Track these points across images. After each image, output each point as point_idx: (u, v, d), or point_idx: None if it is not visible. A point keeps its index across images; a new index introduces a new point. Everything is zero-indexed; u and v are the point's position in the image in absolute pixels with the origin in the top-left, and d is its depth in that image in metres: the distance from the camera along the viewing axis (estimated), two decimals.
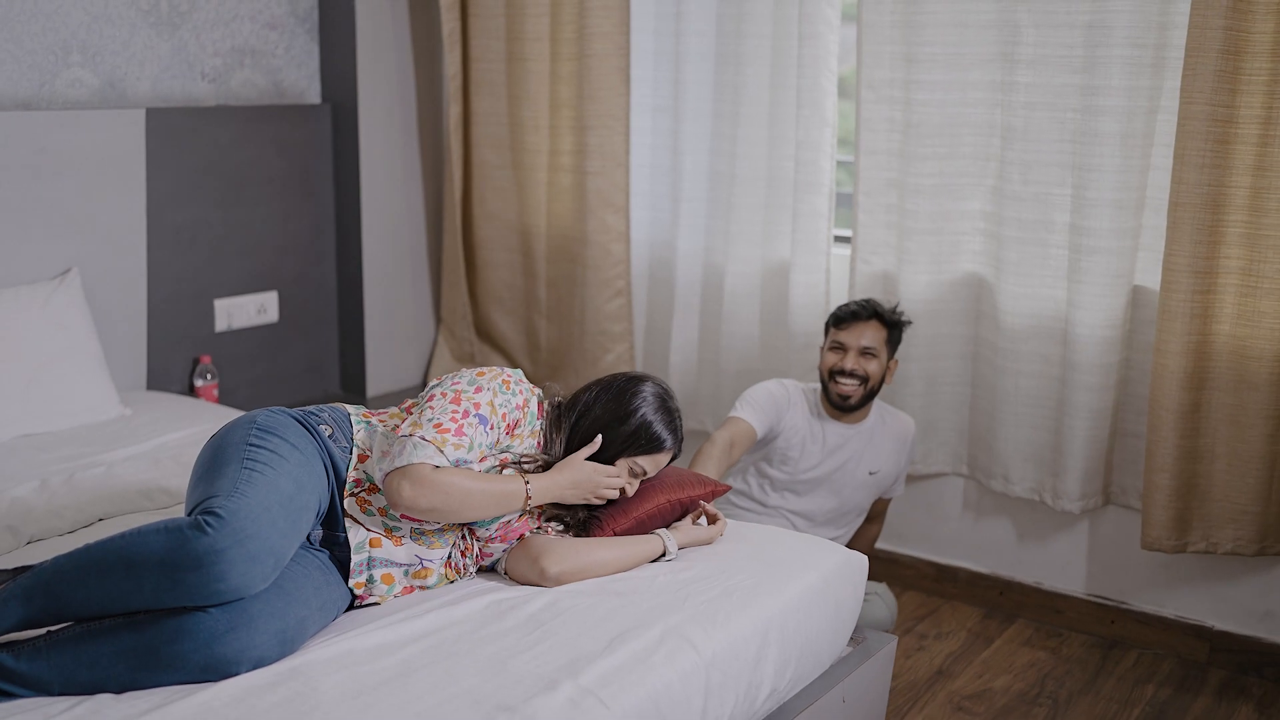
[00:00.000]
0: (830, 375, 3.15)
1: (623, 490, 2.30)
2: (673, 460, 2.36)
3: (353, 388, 4.17)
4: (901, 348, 3.47)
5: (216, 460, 2.05)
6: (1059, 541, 3.47)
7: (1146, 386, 3.23)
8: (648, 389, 2.29)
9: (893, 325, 3.17)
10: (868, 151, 3.45)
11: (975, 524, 3.60)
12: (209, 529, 1.83)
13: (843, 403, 3.14)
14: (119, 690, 1.85)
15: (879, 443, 3.23)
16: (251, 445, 2.04)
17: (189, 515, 1.91)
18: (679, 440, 2.33)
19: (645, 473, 2.32)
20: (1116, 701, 3.08)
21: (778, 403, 3.17)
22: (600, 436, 2.25)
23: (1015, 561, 3.55)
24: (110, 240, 3.45)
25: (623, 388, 2.29)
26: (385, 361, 4.22)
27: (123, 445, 2.97)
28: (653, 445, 2.28)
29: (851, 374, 3.12)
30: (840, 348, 3.14)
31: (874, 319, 3.15)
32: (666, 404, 2.30)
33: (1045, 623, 3.50)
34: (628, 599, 2.16)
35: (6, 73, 3.26)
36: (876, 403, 3.28)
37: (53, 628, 1.92)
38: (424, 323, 4.37)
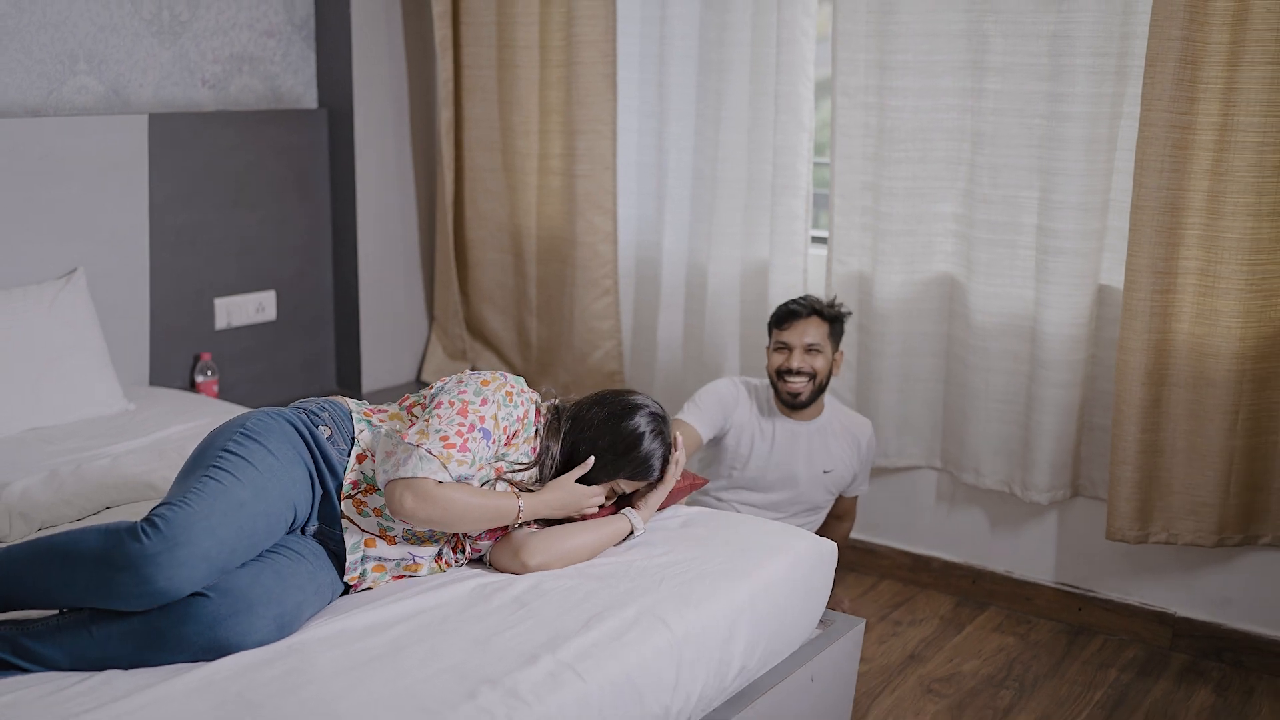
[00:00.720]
0: (778, 375, 3.24)
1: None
2: None
3: (348, 384, 4.29)
4: (876, 345, 3.60)
5: (194, 463, 2.17)
6: (1028, 532, 3.60)
7: (1112, 382, 3.35)
8: (644, 419, 2.39)
9: (833, 319, 3.27)
10: (843, 155, 3.58)
11: (949, 515, 3.72)
12: (144, 536, 1.95)
13: (793, 400, 3.24)
14: (126, 668, 1.96)
15: (831, 441, 3.33)
16: (225, 452, 2.15)
17: None
18: (665, 468, 2.46)
19: (626, 492, 2.46)
20: (1080, 684, 3.21)
21: (724, 403, 3.28)
22: (593, 459, 2.36)
23: (987, 551, 3.67)
24: (114, 241, 3.57)
25: (621, 417, 2.38)
26: (380, 358, 4.34)
27: (127, 438, 3.08)
28: (641, 475, 2.41)
29: (799, 372, 3.21)
30: (785, 347, 3.23)
31: (814, 315, 3.24)
32: (661, 433, 2.41)
33: (1016, 610, 3.62)
34: (606, 582, 2.29)
35: (16, 81, 3.38)
36: (834, 404, 3.39)
37: (64, 609, 2.04)
38: (417, 321, 4.49)
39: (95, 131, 3.48)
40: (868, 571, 3.86)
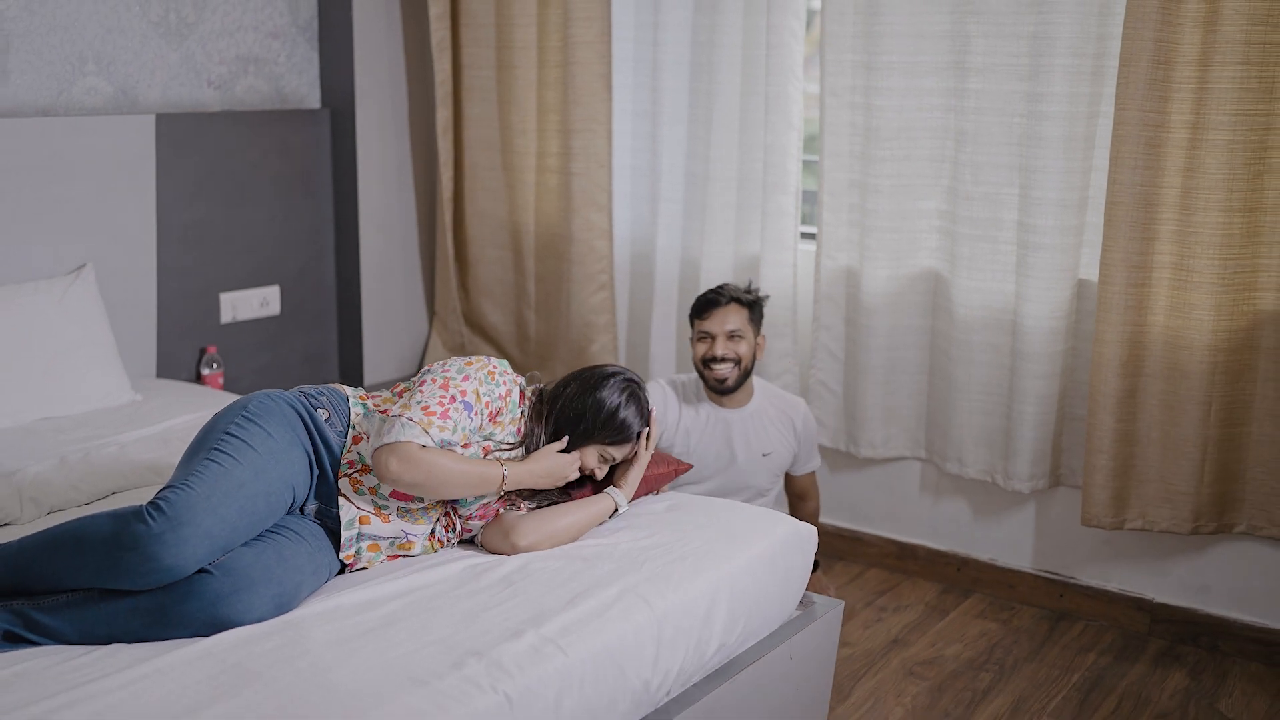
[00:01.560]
0: (704, 364, 3.32)
1: (593, 472, 2.52)
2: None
3: (350, 377, 4.37)
4: (863, 339, 3.69)
5: (198, 445, 2.27)
6: (1011, 520, 3.68)
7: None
8: (615, 384, 2.48)
9: (752, 304, 3.33)
10: (831, 154, 3.67)
11: (933, 504, 3.81)
12: (149, 519, 2.05)
13: (720, 385, 3.32)
14: (131, 643, 2.05)
15: (767, 425, 3.40)
16: (226, 434, 2.24)
17: None
18: (646, 429, 2.54)
19: (615, 459, 2.53)
20: (1058, 668, 3.29)
21: (657, 412, 3.35)
22: (567, 436, 2.45)
23: (971, 539, 3.76)
24: (122, 238, 3.65)
25: (594, 382, 2.48)
26: (381, 352, 4.42)
27: (134, 427, 3.15)
28: (621, 435, 2.49)
29: (723, 359, 3.29)
30: (707, 336, 3.30)
31: (733, 303, 3.31)
32: (635, 395, 2.50)
33: (999, 597, 3.71)
34: (591, 563, 2.37)
35: (27, 82, 3.48)
36: (766, 388, 3.46)
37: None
38: (418, 315, 4.58)
39: (104, 131, 3.57)
40: (854, 559, 3.95)
